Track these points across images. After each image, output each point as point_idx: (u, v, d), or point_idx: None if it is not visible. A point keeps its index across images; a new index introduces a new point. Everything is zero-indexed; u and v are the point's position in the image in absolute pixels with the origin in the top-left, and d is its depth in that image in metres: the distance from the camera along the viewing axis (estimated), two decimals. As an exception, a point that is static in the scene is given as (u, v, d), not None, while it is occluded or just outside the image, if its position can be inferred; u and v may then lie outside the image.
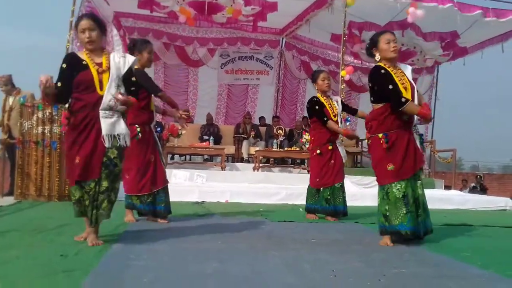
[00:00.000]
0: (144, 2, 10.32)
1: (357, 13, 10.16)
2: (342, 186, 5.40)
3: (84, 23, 3.36)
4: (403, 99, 3.59)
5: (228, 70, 13.64)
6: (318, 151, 5.35)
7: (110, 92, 3.30)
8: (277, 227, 4.65)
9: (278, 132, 11.01)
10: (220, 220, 5.05)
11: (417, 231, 3.67)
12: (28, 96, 7.25)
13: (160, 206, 4.62)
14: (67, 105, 3.48)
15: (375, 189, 8.89)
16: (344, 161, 5.45)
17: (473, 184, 15.65)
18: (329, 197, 5.30)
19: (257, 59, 13.75)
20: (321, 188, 5.34)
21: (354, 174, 9.23)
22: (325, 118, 5.25)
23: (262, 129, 12.00)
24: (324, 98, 5.36)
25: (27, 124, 6.59)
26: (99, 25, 3.42)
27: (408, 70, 3.87)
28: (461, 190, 13.13)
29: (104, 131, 3.28)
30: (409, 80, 3.78)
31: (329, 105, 5.32)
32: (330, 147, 5.30)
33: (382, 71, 3.72)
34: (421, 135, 3.94)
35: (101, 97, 3.29)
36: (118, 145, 3.34)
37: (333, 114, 5.31)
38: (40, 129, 6.54)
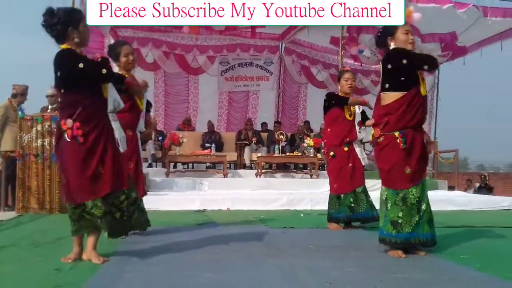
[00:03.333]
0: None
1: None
2: (365, 190, 5.02)
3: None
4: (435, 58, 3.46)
5: (228, 77, 13.65)
6: (331, 154, 5.01)
7: (111, 96, 3.22)
8: (277, 234, 4.62)
9: (280, 137, 11.01)
10: (219, 229, 5.03)
11: (427, 239, 3.45)
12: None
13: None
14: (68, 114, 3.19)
15: (377, 193, 8.85)
16: (364, 163, 5.11)
17: (478, 184, 15.57)
18: (352, 204, 4.93)
19: (257, 65, 13.76)
20: (342, 195, 4.98)
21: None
22: (332, 102, 4.99)
23: (264, 135, 12.00)
24: None
25: (27, 137, 6.61)
26: None
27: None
28: (465, 190, 13.08)
29: (117, 135, 3.24)
30: None
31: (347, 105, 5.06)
32: (345, 149, 4.96)
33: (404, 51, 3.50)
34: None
35: (105, 101, 3.19)
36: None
37: (349, 113, 5.03)
38: (39, 141, 6.54)
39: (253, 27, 11.54)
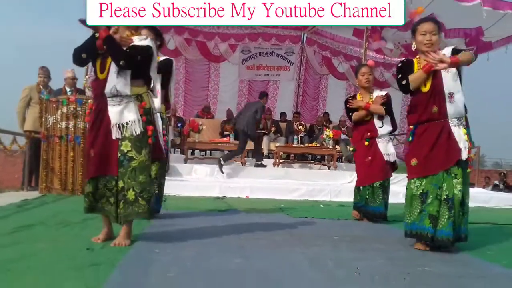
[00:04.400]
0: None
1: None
2: (383, 185, 5.07)
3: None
4: (402, 85, 3.53)
5: (249, 66, 13.65)
6: (351, 149, 5.34)
7: (112, 78, 3.10)
8: (299, 223, 4.63)
9: (299, 127, 11.01)
10: (241, 216, 5.07)
11: (440, 235, 3.31)
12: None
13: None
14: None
15: (396, 187, 8.84)
16: (387, 158, 5.09)
17: (496, 182, 15.42)
18: (367, 197, 5.05)
19: (278, 54, 13.73)
20: (361, 187, 5.12)
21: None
22: (350, 114, 5.14)
23: (283, 125, 11.99)
24: (361, 95, 5.14)
25: (52, 119, 6.69)
26: None
27: (447, 51, 3.48)
28: (483, 187, 12.96)
29: (113, 120, 3.10)
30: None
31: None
32: (366, 143, 5.05)
33: (399, 64, 3.66)
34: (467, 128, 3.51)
35: (104, 83, 3.12)
36: (130, 135, 3.11)
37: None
38: (64, 124, 6.62)
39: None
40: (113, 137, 3.10)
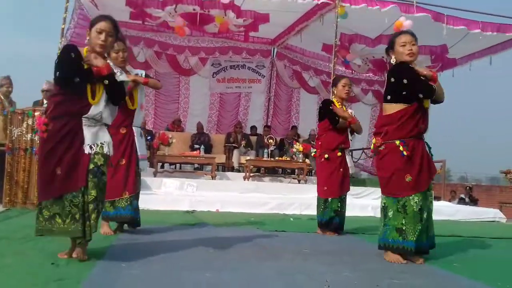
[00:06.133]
0: (136, 13, 10.33)
1: (347, 25, 10.25)
2: (346, 197, 5.16)
3: (104, 25, 3.14)
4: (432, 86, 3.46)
5: (220, 79, 13.64)
6: (326, 156, 5.02)
7: (101, 104, 3.11)
8: (269, 237, 4.62)
9: (269, 141, 11.04)
10: (211, 230, 5.03)
11: (424, 247, 3.52)
12: None
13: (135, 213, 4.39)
14: (44, 109, 3.23)
15: (366, 200, 8.90)
16: (351, 172, 5.16)
17: (461, 195, 15.73)
18: (338, 209, 5.00)
19: (249, 67, 13.77)
20: (329, 199, 5.02)
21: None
22: (337, 118, 4.97)
23: (253, 138, 12.01)
24: (340, 105, 5.11)
25: (17, 131, 6.54)
26: (117, 32, 3.24)
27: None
28: (449, 201, 13.22)
29: (87, 141, 3.06)
30: None
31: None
32: (339, 154, 5.00)
33: (411, 65, 3.54)
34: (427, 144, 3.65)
35: (89, 106, 3.08)
36: (103, 152, 3.11)
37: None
38: (29, 136, 6.48)
39: (246, 31, 11.59)
40: (85, 152, 3.04)
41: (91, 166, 3.04)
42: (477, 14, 10.70)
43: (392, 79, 3.52)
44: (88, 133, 3.08)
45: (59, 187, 3.01)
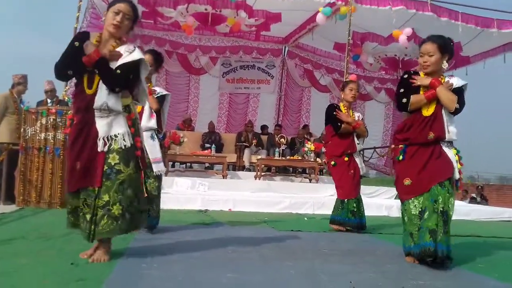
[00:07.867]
0: (148, 13, 10.33)
1: (360, 24, 10.18)
2: (361, 198, 5.25)
3: (123, 7, 3.05)
4: (402, 103, 3.43)
5: (230, 79, 13.63)
6: (332, 163, 5.22)
7: (103, 94, 2.98)
8: (285, 236, 4.56)
9: (280, 140, 10.99)
10: (227, 229, 4.98)
11: (440, 248, 3.21)
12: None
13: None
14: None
15: (379, 199, 8.85)
16: (362, 172, 5.26)
17: (473, 195, 15.61)
18: (354, 209, 5.09)
19: (259, 68, 13.75)
20: (346, 200, 5.11)
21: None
22: (339, 124, 5.08)
23: (264, 138, 11.96)
24: (345, 108, 5.23)
25: (30, 130, 6.52)
26: (135, 17, 3.14)
27: (453, 80, 3.53)
28: (461, 200, 13.11)
29: (101, 133, 2.97)
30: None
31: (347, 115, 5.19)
32: (346, 159, 5.14)
33: (405, 75, 3.54)
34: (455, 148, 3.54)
35: (91, 97, 2.99)
36: (118, 148, 2.99)
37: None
38: (43, 135, 6.46)
39: (258, 30, 11.55)
40: (99, 150, 2.97)
41: (105, 168, 2.96)
42: (491, 12, 10.58)
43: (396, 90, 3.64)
44: (100, 125, 3.00)
45: (76, 181, 3.01)
